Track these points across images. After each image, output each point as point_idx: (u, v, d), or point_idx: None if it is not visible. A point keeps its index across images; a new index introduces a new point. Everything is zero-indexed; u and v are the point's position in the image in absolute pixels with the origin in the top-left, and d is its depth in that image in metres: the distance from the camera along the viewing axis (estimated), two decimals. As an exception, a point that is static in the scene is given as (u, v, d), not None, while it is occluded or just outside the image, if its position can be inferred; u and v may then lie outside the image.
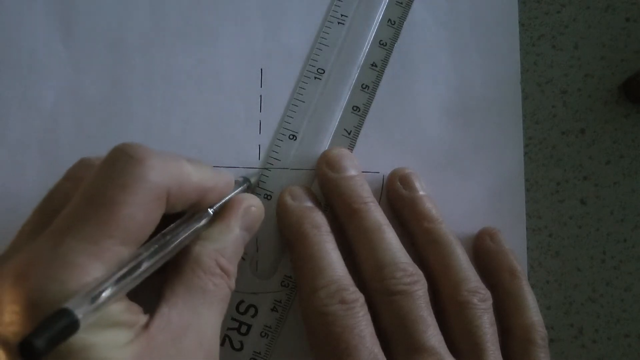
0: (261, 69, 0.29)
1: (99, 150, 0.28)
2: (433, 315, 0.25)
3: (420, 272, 0.26)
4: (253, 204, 0.25)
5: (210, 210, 0.24)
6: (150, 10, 0.29)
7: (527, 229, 0.30)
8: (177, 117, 0.29)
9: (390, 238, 0.26)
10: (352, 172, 0.27)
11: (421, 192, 0.28)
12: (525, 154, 0.30)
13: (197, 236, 0.23)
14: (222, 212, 0.24)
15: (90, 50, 0.29)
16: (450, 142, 0.30)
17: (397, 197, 0.28)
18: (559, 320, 0.30)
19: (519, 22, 0.31)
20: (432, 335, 0.24)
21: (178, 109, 0.29)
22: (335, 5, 0.30)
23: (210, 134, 0.29)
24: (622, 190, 0.31)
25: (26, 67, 0.28)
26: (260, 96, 0.29)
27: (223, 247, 0.23)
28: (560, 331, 0.30)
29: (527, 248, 0.30)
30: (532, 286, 0.29)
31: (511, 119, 0.30)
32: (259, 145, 0.29)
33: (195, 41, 0.29)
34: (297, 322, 0.28)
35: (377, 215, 0.27)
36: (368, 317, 0.25)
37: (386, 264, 0.25)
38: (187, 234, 0.22)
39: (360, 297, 0.25)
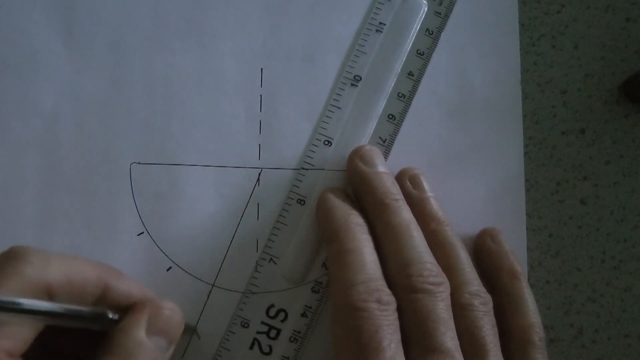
0: (261, 69, 0.29)
1: (99, 150, 0.28)
2: (453, 319, 0.25)
3: (445, 276, 0.26)
4: (164, 306, 0.24)
5: (110, 314, 0.23)
6: (150, 10, 0.29)
7: (527, 229, 0.30)
8: (177, 117, 0.29)
9: (419, 238, 0.26)
10: (384, 169, 0.28)
11: (430, 194, 0.28)
12: (525, 154, 0.30)
13: (100, 353, 0.22)
14: (123, 322, 0.23)
15: (90, 50, 0.29)
16: (450, 142, 0.30)
17: (405, 194, 0.28)
18: (559, 320, 0.30)
19: (519, 22, 0.31)
20: (451, 338, 0.24)
21: (178, 109, 0.29)
22: (374, 12, 0.30)
23: (210, 134, 0.29)
24: (622, 190, 0.31)
25: (26, 67, 0.28)
26: (260, 96, 0.29)
27: (126, 356, 0.22)
28: (560, 331, 0.30)
29: (527, 248, 0.30)
30: (532, 286, 0.29)
31: (511, 119, 0.30)
32: (259, 145, 0.29)
33: (195, 41, 0.29)
34: (326, 329, 0.28)
35: (407, 213, 0.27)
36: (397, 323, 0.25)
37: (414, 261, 0.25)
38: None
39: (393, 302, 0.25)
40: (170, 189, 0.28)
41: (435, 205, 0.28)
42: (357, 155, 0.28)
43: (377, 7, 0.30)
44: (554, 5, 0.31)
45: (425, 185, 0.28)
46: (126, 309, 0.23)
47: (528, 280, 0.29)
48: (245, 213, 0.28)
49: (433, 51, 0.30)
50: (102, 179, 0.28)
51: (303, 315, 0.28)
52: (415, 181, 0.28)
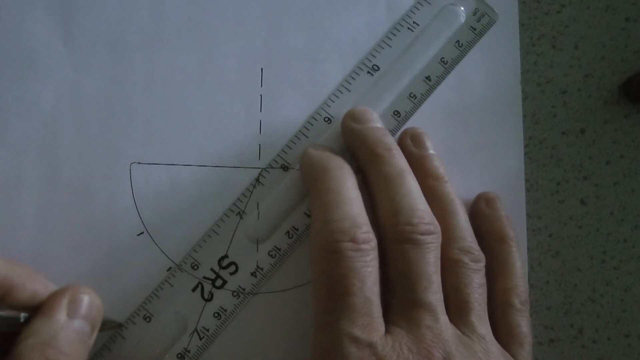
0: (261, 69, 0.29)
1: (99, 150, 0.28)
2: (439, 273, 0.25)
3: (437, 224, 0.25)
4: (82, 291, 0.24)
5: (21, 315, 0.23)
6: (151, 10, 0.29)
7: (527, 229, 0.30)
8: (177, 117, 0.29)
9: (411, 185, 0.26)
10: (377, 124, 0.28)
11: (430, 151, 0.28)
12: (525, 154, 0.30)
13: (22, 337, 0.22)
14: (43, 307, 0.23)
15: (90, 50, 0.29)
16: (450, 142, 0.30)
17: (406, 153, 0.28)
18: (559, 320, 0.30)
19: (519, 22, 0.31)
20: (433, 292, 0.24)
21: (178, 109, 0.29)
22: (411, 11, 0.30)
23: (210, 134, 0.29)
24: (622, 190, 0.31)
25: (26, 67, 0.28)
26: (261, 96, 0.29)
27: (49, 338, 0.22)
28: (560, 331, 0.30)
29: (527, 248, 0.30)
30: (532, 286, 0.29)
31: (511, 119, 0.30)
32: (259, 145, 0.29)
33: (195, 41, 0.29)
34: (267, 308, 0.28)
35: (400, 161, 0.26)
36: (376, 262, 0.24)
37: (403, 209, 0.25)
38: None
39: (372, 240, 0.24)
40: (170, 189, 0.28)
41: (435, 161, 0.28)
42: (349, 116, 0.28)
43: (415, 7, 0.30)
44: (554, 5, 0.31)
45: (428, 144, 0.28)
46: (32, 308, 0.23)
47: (528, 279, 0.29)
48: (245, 213, 0.28)
49: (457, 63, 0.30)
50: (102, 179, 0.28)
51: (253, 274, 0.28)
52: (416, 140, 0.28)
